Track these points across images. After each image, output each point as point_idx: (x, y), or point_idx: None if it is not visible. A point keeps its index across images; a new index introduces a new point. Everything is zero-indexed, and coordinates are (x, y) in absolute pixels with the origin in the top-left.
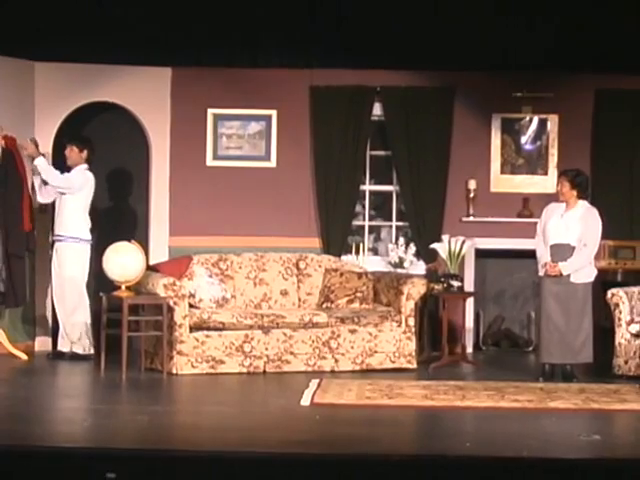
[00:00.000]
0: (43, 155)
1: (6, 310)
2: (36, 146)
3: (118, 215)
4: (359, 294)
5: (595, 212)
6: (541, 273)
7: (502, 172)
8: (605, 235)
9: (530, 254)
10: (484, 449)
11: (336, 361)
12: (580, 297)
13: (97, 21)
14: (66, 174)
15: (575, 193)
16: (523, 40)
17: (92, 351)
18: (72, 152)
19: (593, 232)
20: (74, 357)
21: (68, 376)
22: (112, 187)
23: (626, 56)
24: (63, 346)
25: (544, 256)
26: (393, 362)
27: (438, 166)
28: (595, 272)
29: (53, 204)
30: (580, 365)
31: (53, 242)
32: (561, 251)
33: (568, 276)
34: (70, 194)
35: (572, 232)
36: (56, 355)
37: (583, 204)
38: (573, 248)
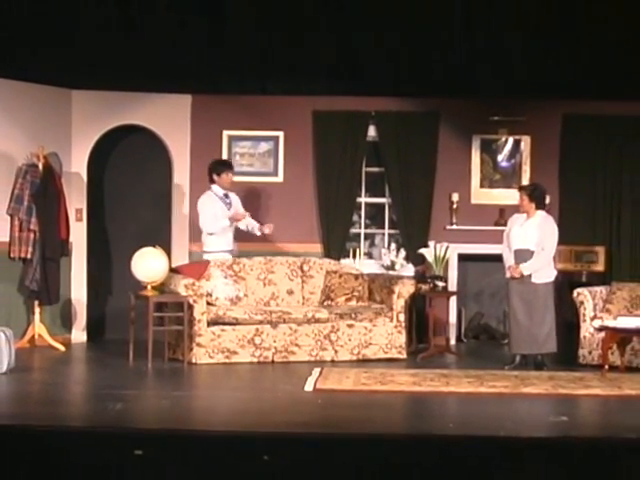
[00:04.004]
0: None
1: (46, 307)
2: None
3: (144, 224)
4: (356, 293)
5: (551, 220)
6: (507, 275)
7: (481, 186)
8: (571, 241)
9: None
10: (465, 429)
11: (336, 352)
12: (541, 295)
13: (126, 53)
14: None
15: (534, 205)
16: (499, 70)
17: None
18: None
19: (549, 237)
20: None
21: (100, 365)
22: (139, 200)
23: (590, 85)
24: None
25: (509, 260)
26: (386, 353)
27: (425, 181)
28: (554, 273)
29: None
30: (550, 356)
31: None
32: (523, 255)
33: (530, 277)
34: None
35: (531, 238)
36: None
37: (541, 213)
38: (533, 252)
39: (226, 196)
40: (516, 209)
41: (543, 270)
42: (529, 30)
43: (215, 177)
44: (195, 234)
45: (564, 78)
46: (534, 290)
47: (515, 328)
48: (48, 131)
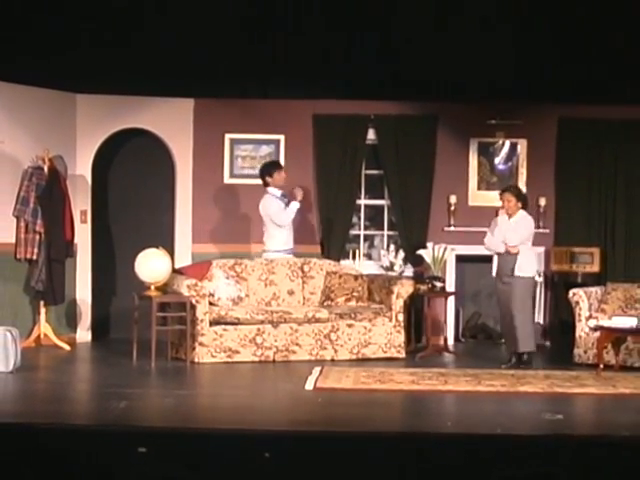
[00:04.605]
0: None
1: (52, 307)
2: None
3: (148, 225)
4: (355, 293)
5: (530, 218)
6: (494, 274)
7: (478, 188)
8: (567, 242)
9: None
10: (463, 427)
11: (335, 351)
12: (518, 292)
13: (130, 58)
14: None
15: (520, 204)
16: (496, 75)
17: None
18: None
19: (522, 230)
20: None
21: (105, 364)
22: (142, 202)
23: (584, 89)
24: None
25: (499, 245)
26: (385, 352)
27: (423, 183)
28: (535, 268)
29: None
30: (545, 353)
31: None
32: (505, 255)
33: (512, 270)
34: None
35: (511, 233)
36: None
37: (522, 213)
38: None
39: (284, 195)
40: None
41: (524, 264)
42: (526, 34)
43: (268, 179)
44: (197, 235)
45: (560, 82)
46: (514, 286)
47: (502, 326)
48: (53, 134)
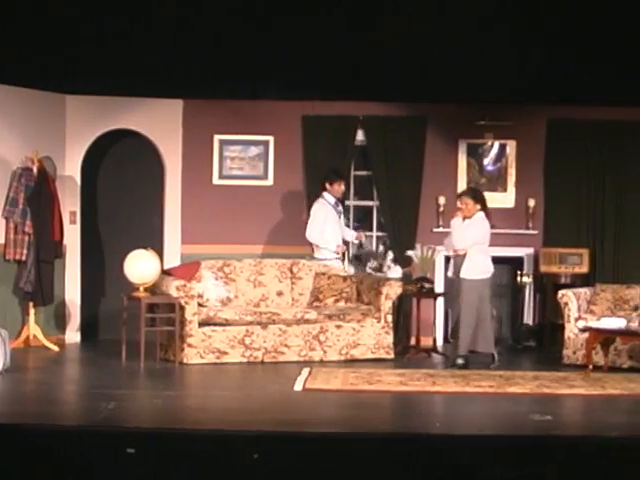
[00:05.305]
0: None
1: (41, 308)
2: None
3: (137, 226)
4: (344, 294)
5: (483, 221)
6: (450, 274)
7: None
8: (556, 243)
9: (491, 261)
10: (451, 428)
11: (324, 352)
12: (464, 295)
13: (119, 59)
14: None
15: (479, 206)
16: (485, 76)
17: None
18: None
19: (471, 233)
20: None
21: (94, 365)
22: (132, 203)
23: (573, 90)
24: None
25: (449, 247)
26: (373, 353)
27: (412, 184)
28: (483, 270)
29: None
30: (534, 354)
31: None
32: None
33: (459, 273)
34: None
35: (458, 236)
36: None
37: (479, 214)
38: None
39: (337, 204)
40: (502, 211)
41: (470, 267)
42: (515, 35)
43: (327, 185)
44: (186, 236)
45: (549, 83)
46: (462, 287)
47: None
48: (42, 135)
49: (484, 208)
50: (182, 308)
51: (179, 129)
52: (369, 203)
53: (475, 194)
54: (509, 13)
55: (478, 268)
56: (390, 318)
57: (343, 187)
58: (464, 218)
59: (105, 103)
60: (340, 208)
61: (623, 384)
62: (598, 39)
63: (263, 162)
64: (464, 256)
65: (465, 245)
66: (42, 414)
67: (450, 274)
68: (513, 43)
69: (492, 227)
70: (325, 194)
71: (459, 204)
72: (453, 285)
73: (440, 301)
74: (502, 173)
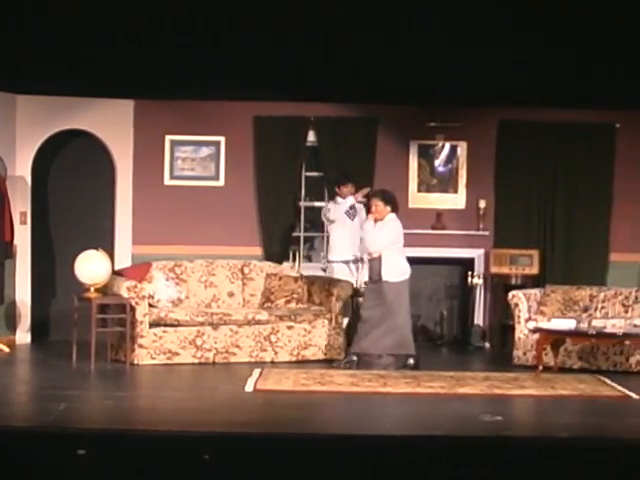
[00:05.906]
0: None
1: None
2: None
3: (88, 227)
4: (295, 295)
5: (395, 223)
6: (366, 277)
7: (419, 191)
8: (506, 244)
9: (442, 261)
10: (402, 429)
11: (275, 353)
12: (389, 296)
13: (70, 59)
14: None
15: (389, 208)
16: (436, 77)
17: None
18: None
19: (383, 235)
20: None
21: (44, 366)
22: (83, 203)
23: (524, 92)
24: None
25: (363, 250)
26: (325, 354)
27: (363, 185)
28: (402, 271)
29: None
30: (484, 355)
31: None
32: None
33: (380, 275)
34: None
35: (370, 239)
36: None
37: (390, 216)
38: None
39: (351, 207)
40: (453, 212)
41: (390, 269)
42: (466, 37)
43: (337, 189)
44: (137, 237)
45: (500, 85)
46: (383, 289)
47: (360, 326)
48: None
49: (395, 209)
50: (133, 309)
51: (130, 129)
52: (320, 204)
53: (385, 195)
54: (458, 14)
55: (398, 270)
56: (341, 319)
57: (350, 188)
58: (375, 220)
59: (56, 103)
60: (353, 211)
61: (573, 385)
62: (550, 40)
63: (214, 163)
64: (379, 259)
65: (378, 248)
66: None
67: (366, 278)
68: (463, 44)
69: (442, 228)
70: (338, 198)
71: (369, 206)
72: (368, 285)
73: None
74: (453, 174)
